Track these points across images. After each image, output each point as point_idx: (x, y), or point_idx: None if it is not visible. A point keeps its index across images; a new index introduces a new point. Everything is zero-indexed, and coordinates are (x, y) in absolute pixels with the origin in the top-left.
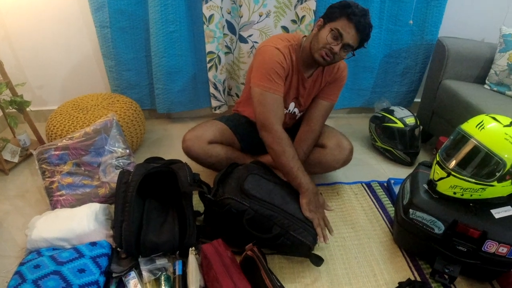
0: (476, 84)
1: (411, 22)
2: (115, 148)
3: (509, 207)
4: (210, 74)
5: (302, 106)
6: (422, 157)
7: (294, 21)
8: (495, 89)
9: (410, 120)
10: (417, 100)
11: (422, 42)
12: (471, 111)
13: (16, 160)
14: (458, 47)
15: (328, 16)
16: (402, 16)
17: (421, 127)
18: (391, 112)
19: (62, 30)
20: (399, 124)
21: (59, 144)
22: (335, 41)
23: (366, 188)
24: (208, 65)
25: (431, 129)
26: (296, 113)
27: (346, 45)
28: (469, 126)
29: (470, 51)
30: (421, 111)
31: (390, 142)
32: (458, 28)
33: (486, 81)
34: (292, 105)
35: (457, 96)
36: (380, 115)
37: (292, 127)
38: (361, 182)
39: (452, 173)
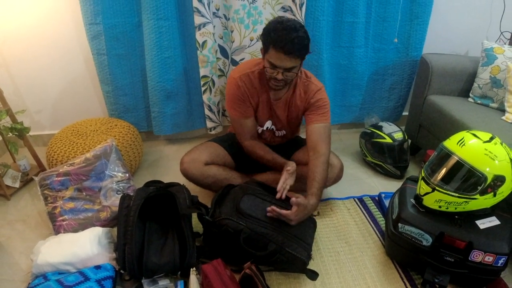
0: (461, 97)
1: (395, 40)
2: (115, 173)
3: (494, 217)
4: (205, 97)
5: (278, 125)
6: (411, 169)
7: None
8: (479, 101)
9: (398, 135)
10: (406, 113)
11: (407, 59)
12: (455, 125)
13: (17, 185)
14: (441, 63)
15: (263, 45)
16: (387, 34)
17: (409, 141)
18: (380, 128)
19: (59, 58)
20: (388, 140)
21: (60, 170)
22: (274, 71)
23: (358, 203)
24: (203, 88)
25: (419, 142)
26: (274, 130)
27: (285, 69)
28: (451, 143)
29: (453, 67)
30: (409, 125)
31: (380, 157)
32: (442, 43)
33: (470, 94)
34: (269, 123)
35: (442, 111)
36: (369, 131)
37: (286, 144)
38: (353, 197)
39: (437, 188)
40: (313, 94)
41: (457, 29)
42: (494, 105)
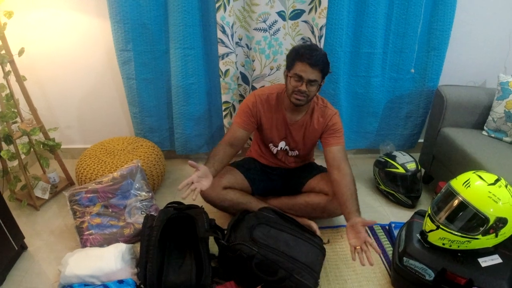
0: (475, 130)
1: (412, 70)
2: (139, 192)
3: (497, 255)
4: (225, 121)
5: (292, 145)
6: (424, 198)
7: None
8: (492, 135)
9: (411, 166)
10: (422, 140)
11: (423, 89)
12: (466, 160)
13: (46, 197)
14: (456, 96)
15: (287, 66)
16: (404, 65)
17: (422, 170)
18: (393, 158)
19: (91, 80)
20: (401, 170)
21: (89, 187)
22: (299, 83)
23: (368, 231)
24: (224, 113)
25: (432, 172)
26: (288, 150)
27: (309, 81)
28: (457, 183)
29: (468, 99)
30: (423, 155)
31: (393, 186)
32: (459, 73)
33: (485, 127)
34: (282, 143)
35: (454, 145)
36: (383, 160)
37: (301, 168)
38: None
39: (441, 226)
40: (330, 118)
41: (474, 60)
42: (508, 139)
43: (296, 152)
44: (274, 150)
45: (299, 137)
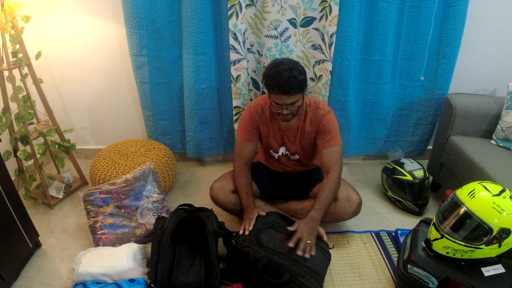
0: (484, 138)
1: (422, 78)
2: (151, 194)
3: (500, 265)
4: (236, 125)
5: (292, 150)
6: (431, 205)
7: (312, 79)
8: (501, 144)
9: (419, 173)
10: (430, 147)
11: (433, 96)
12: (473, 169)
13: (60, 196)
14: (465, 105)
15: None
16: (414, 72)
17: (430, 177)
18: (401, 165)
19: (106, 83)
20: (408, 177)
21: (103, 188)
22: (279, 108)
23: (375, 237)
24: (234, 118)
25: (440, 180)
26: (289, 155)
27: (287, 105)
28: (462, 193)
29: (477, 108)
30: (431, 163)
31: (400, 193)
32: (470, 80)
33: (493, 136)
34: (283, 149)
35: (462, 153)
36: (391, 167)
37: (307, 174)
38: (370, 232)
39: (445, 235)
40: (321, 118)
41: (485, 68)
42: None
43: (297, 157)
44: (276, 156)
45: (296, 142)
